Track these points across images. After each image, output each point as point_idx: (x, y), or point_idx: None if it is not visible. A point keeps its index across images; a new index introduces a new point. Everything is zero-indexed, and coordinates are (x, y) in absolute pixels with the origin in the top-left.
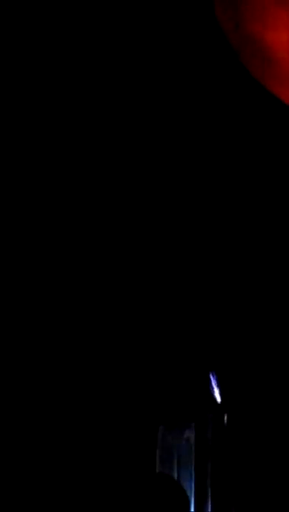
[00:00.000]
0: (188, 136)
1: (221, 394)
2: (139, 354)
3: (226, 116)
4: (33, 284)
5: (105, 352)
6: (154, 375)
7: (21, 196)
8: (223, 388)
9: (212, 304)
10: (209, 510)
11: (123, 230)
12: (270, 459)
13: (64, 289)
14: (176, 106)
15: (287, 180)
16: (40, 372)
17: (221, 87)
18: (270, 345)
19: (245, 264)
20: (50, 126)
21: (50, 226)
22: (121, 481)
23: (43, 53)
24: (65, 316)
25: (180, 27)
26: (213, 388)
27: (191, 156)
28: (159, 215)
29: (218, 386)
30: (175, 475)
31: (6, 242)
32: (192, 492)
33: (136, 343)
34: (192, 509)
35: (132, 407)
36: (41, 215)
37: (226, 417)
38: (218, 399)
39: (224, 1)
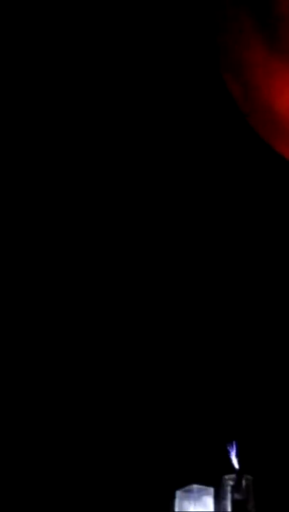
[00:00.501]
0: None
1: (240, 459)
2: (157, 412)
3: (235, 178)
4: (33, 283)
5: (119, 405)
6: (172, 438)
7: (21, 196)
8: (242, 453)
9: (231, 371)
10: None
11: (123, 230)
12: None
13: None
14: (183, 167)
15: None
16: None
17: (228, 148)
18: None
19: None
20: (50, 126)
21: (50, 226)
22: None
23: (43, 53)
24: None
25: (187, 91)
26: (232, 453)
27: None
28: (159, 216)
29: (237, 451)
30: None
31: (6, 242)
32: None
33: (154, 400)
34: None
35: (148, 468)
36: (41, 215)
37: (244, 482)
38: (237, 464)
39: (232, 66)
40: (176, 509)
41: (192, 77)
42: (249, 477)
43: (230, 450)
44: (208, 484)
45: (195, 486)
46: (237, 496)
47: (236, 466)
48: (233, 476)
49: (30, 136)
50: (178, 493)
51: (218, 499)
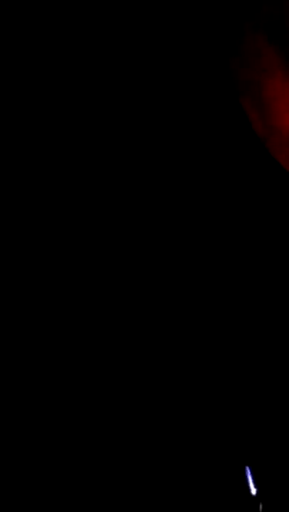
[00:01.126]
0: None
1: (257, 486)
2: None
3: (251, 204)
4: (33, 283)
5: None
6: (188, 467)
7: (21, 196)
8: (259, 480)
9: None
10: None
11: (123, 229)
12: None
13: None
14: (198, 191)
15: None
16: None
17: (246, 172)
18: None
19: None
20: (50, 126)
21: (50, 226)
22: None
23: (43, 53)
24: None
25: (206, 113)
26: (248, 480)
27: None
28: (159, 216)
29: (253, 478)
30: None
31: (6, 242)
32: None
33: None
34: None
35: (162, 495)
36: (41, 215)
37: (261, 508)
38: (254, 491)
39: (249, 92)
40: None
41: (210, 102)
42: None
43: (246, 475)
44: None
45: None
46: None
47: (253, 492)
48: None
49: (30, 136)
50: None
51: None
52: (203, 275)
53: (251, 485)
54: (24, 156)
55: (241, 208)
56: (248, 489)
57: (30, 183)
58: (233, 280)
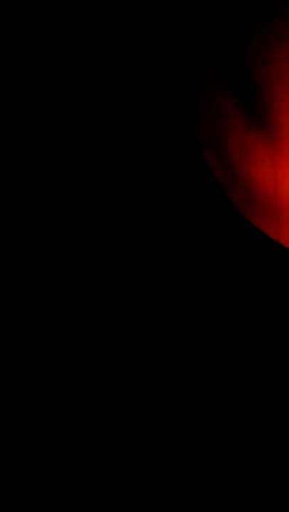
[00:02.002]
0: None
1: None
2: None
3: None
4: (33, 283)
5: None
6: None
7: (21, 196)
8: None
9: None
10: None
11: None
12: None
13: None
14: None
15: None
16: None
17: (206, 220)
18: None
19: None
20: (50, 126)
21: (50, 226)
22: None
23: (43, 53)
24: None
25: (167, 163)
26: None
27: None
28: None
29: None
30: None
31: (6, 242)
32: None
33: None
34: None
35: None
36: (41, 215)
37: None
38: None
39: (211, 143)
40: None
41: (172, 150)
42: None
43: None
44: None
45: None
46: None
47: None
48: None
49: (30, 135)
50: None
51: None
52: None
53: None
54: (24, 156)
55: (205, 258)
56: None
57: (30, 183)
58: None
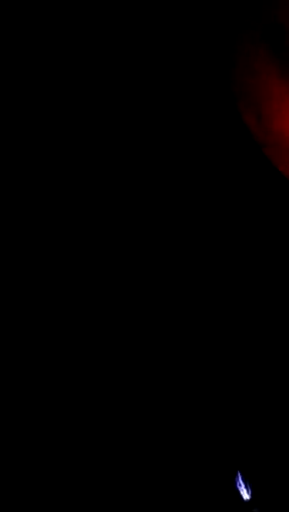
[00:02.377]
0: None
1: (249, 491)
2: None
3: (250, 211)
4: (33, 283)
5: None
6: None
7: (21, 196)
8: (251, 485)
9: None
10: None
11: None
12: None
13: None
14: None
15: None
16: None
17: (244, 178)
18: None
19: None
20: (50, 126)
21: (50, 226)
22: None
23: (43, 53)
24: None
25: (202, 118)
26: (240, 485)
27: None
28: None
29: (245, 483)
30: None
31: (6, 242)
32: None
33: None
34: None
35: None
36: (41, 215)
37: None
38: (246, 496)
39: (246, 96)
40: None
41: (207, 107)
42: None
43: (236, 481)
44: None
45: None
46: None
47: (245, 497)
48: None
49: (30, 135)
50: None
51: None
52: (203, 281)
53: (243, 490)
54: (24, 157)
55: (241, 214)
56: (240, 494)
57: (30, 183)
58: (233, 288)
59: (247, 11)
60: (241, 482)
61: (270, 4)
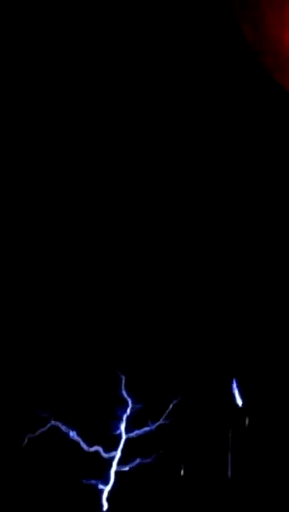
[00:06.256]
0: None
1: (243, 398)
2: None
3: (239, 112)
4: (33, 283)
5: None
6: (178, 384)
7: (21, 196)
8: (245, 393)
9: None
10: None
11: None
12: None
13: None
14: (188, 101)
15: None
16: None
17: (235, 80)
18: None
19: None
20: (50, 126)
21: (50, 226)
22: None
23: (43, 53)
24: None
25: (198, 25)
26: (235, 393)
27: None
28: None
29: (240, 391)
30: None
31: (6, 242)
32: None
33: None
34: None
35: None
36: (41, 215)
37: (247, 420)
38: (240, 403)
39: (244, 4)
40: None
41: (204, 16)
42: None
43: (232, 388)
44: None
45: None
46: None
47: (239, 403)
48: None
49: (30, 135)
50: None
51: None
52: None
53: (237, 397)
54: (24, 157)
55: (235, 122)
56: (235, 401)
57: (30, 183)
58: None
59: None
60: (236, 389)
61: None
